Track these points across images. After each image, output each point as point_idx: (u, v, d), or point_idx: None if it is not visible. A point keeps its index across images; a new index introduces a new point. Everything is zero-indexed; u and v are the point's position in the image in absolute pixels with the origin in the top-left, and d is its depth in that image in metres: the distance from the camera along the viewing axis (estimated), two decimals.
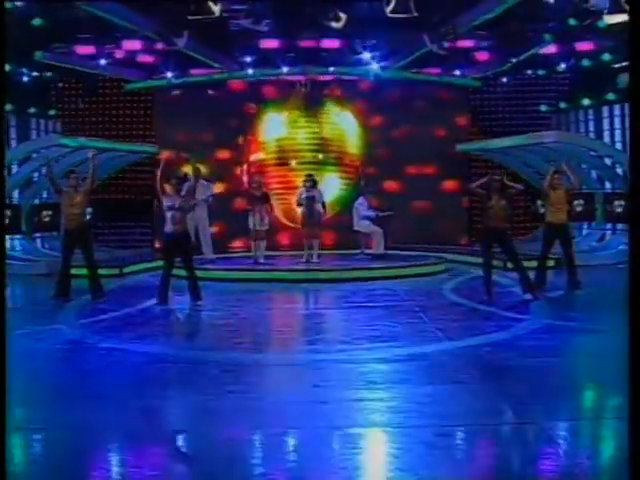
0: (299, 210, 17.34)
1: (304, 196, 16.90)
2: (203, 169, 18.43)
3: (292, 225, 19.54)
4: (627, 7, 12.04)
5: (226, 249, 19.66)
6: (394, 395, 6.98)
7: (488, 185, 12.63)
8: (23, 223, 18.40)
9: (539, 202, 14.08)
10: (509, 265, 13.70)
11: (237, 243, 20.12)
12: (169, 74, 19.83)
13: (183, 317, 12.25)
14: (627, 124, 18.72)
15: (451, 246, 19.95)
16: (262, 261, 17.01)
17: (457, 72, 20.15)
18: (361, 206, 17.96)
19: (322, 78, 20.43)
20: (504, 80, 21.07)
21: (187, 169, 18.21)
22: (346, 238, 19.58)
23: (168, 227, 12.47)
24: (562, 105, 21.32)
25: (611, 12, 13.13)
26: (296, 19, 16.50)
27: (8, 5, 14.12)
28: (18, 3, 14.18)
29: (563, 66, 19.61)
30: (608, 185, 19.11)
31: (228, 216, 19.76)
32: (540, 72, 20.49)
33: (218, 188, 19.57)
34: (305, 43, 18.14)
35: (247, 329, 10.73)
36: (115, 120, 21.46)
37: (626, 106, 18.48)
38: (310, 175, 17.42)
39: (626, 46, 4.64)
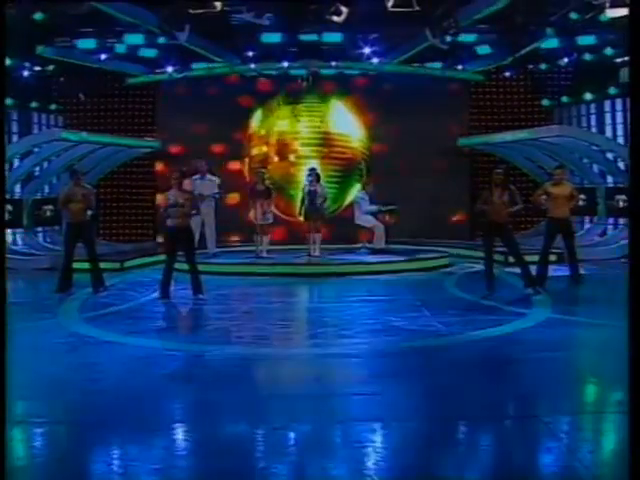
0: (301, 203, 17.32)
1: (306, 190, 16.91)
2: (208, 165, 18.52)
3: (294, 219, 19.53)
4: (628, 1, 12.02)
5: (227, 243, 19.64)
6: (396, 389, 6.98)
7: (490, 180, 12.65)
8: (25, 217, 18.41)
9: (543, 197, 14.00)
10: (511, 259, 13.70)
11: (235, 237, 20.18)
12: (171, 68, 19.81)
13: (185, 311, 12.26)
14: (629, 118, 18.71)
15: (453, 240, 19.96)
16: (265, 255, 17.03)
17: (459, 66, 20.11)
18: (363, 200, 17.95)
19: (324, 72, 20.43)
20: (506, 74, 21.03)
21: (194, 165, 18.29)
22: (347, 232, 19.61)
23: (170, 221, 12.47)
24: (564, 99, 21.29)
25: (613, 6, 13.11)
26: (298, 13, 16.47)
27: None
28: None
29: (565, 60, 19.56)
30: (610, 179, 19.10)
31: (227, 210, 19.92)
32: (542, 66, 20.46)
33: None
34: (307, 37, 18.11)
35: (249, 323, 10.74)
36: (117, 114, 21.46)
37: (628, 100, 18.47)
38: (313, 169, 17.42)
39: (626, 40, 4.65)
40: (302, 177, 17.87)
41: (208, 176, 17.61)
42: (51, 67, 19.40)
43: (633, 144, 4.61)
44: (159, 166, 21.05)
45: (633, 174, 4.59)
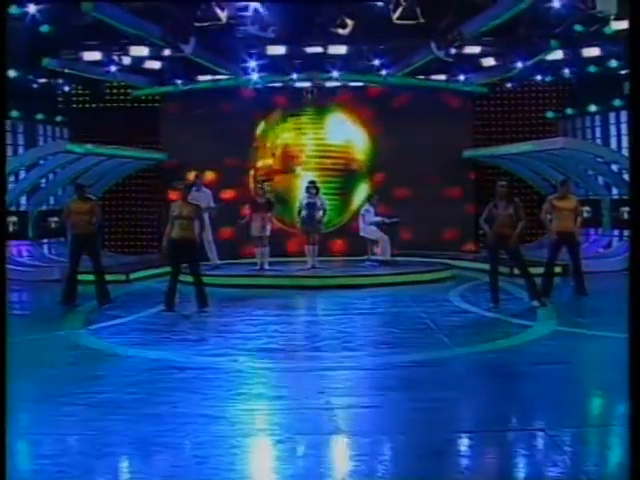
0: (299, 216, 17.34)
1: (305, 202, 16.94)
2: (207, 176, 18.54)
3: (294, 231, 19.55)
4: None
5: (237, 255, 19.58)
6: (400, 401, 6.97)
7: (494, 192, 12.65)
8: (30, 229, 18.43)
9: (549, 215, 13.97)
10: (515, 272, 13.68)
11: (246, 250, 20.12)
12: (176, 80, 19.87)
13: (190, 323, 12.24)
14: (628, 129, 18.72)
15: (457, 253, 19.94)
16: (267, 267, 17.02)
17: (463, 78, 20.14)
18: (367, 213, 17.96)
19: (328, 84, 20.47)
20: (510, 86, 21.06)
21: (191, 177, 18.36)
22: (352, 244, 19.61)
23: (175, 233, 12.47)
24: (569, 111, 21.30)
25: (617, 18, 13.12)
26: (303, 25, 16.51)
27: (17, 11, 14.18)
28: (26, 9, 14.19)
29: (570, 72, 19.59)
30: (615, 191, 19.09)
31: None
32: (547, 78, 20.48)
33: (226, 194, 19.84)
34: (312, 49, 18.15)
35: (253, 335, 10.72)
36: (122, 126, 21.51)
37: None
38: (313, 182, 17.44)
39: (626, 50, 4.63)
40: (303, 189, 17.85)
41: (204, 188, 17.66)
42: (57, 79, 19.47)
43: (633, 155, 4.59)
44: (164, 178, 21.06)
45: (633, 185, 4.58)
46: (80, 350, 9.61)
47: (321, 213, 17.07)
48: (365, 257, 18.18)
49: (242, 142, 20.71)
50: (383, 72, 19.34)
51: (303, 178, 20.01)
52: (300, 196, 17.77)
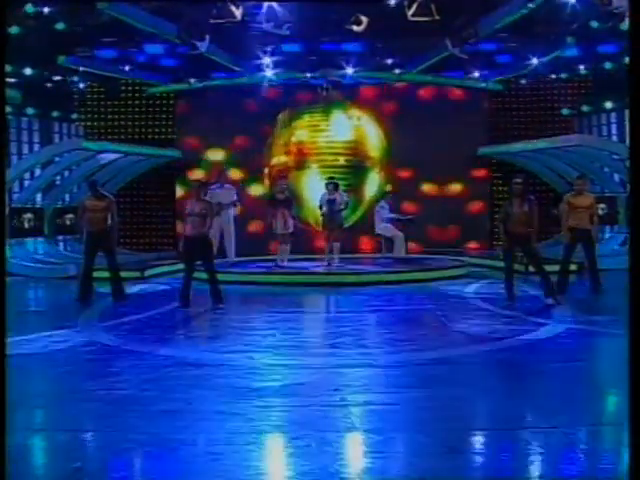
0: (320, 213, 17.31)
1: (325, 199, 16.91)
2: (228, 174, 18.58)
3: (313, 228, 19.57)
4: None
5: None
6: (415, 399, 6.95)
7: (509, 190, 12.63)
8: (46, 226, 18.51)
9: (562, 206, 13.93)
10: (531, 269, 13.65)
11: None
12: (191, 78, 19.91)
13: (204, 320, 12.27)
14: (628, 126, 18.62)
15: (473, 250, 19.90)
16: (285, 264, 17.00)
17: (479, 75, 20.08)
18: (383, 210, 17.95)
19: (343, 82, 20.46)
20: (526, 83, 20.98)
21: (214, 174, 18.43)
22: (367, 241, 19.61)
23: (188, 231, 12.51)
24: (584, 108, 21.21)
25: None
26: (318, 23, 16.51)
27: (32, 9, 14.24)
28: (43, 7, 14.25)
29: (585, 69, 19.50)
30: None
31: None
32: (562, 75, 20.39)
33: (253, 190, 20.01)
34: (326, 47, 18.15)
35: (268, 332, 10.73)
36: (137, 124, 21.58)
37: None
38: (332, 178, 17.43)
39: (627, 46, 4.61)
40: (319, 186, 17.84)
41: (226, 185, 17.64)
42: (72, 77, 19.54)
43: (633, 152, 4.57)
44: (178, 175, 21.13)
45: (633, 185, 4.55)
46: (95, 346, 9.63)
47: (342, 207, 17.00)
48: (380, 254, 18.18)
49: (256, 139, 20.74)
50: (398, 69, 19.31)
51: (317, 175, 20.03)
52: (317, 193, 17.74)
